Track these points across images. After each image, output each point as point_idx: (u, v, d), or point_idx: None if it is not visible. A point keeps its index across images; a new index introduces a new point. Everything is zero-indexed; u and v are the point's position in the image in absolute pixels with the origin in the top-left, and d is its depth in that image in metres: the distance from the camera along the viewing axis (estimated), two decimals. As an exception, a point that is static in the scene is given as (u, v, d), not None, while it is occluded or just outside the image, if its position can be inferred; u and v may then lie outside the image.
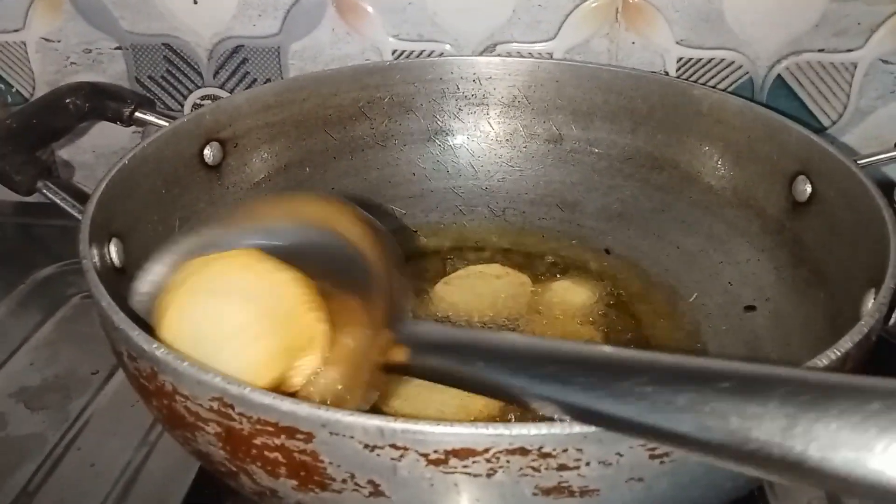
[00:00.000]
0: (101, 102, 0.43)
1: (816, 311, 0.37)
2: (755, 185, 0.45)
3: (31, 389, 0.46)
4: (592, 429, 0.20)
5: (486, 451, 0.21)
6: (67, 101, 0.41)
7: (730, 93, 0.54)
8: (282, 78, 0.59)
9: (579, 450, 0.21)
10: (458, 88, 0.55)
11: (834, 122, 0.56)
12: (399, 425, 0.21)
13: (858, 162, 0.40)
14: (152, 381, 0.25)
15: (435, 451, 0.21)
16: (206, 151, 0.45)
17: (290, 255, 0.31)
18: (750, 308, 0.41)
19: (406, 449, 0.21)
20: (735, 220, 0.46)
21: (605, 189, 0.53)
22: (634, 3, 0.54)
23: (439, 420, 0.21)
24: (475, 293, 0.47)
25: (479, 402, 0.36)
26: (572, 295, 0.47)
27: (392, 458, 0.21)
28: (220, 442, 0.24)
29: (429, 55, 0.58)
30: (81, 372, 0.47)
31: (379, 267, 0.32)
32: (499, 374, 0.24)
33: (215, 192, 0.47)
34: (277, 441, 0.23)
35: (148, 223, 0.40)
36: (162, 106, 0.61)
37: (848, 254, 0.36)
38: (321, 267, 0.31)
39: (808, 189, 0.41)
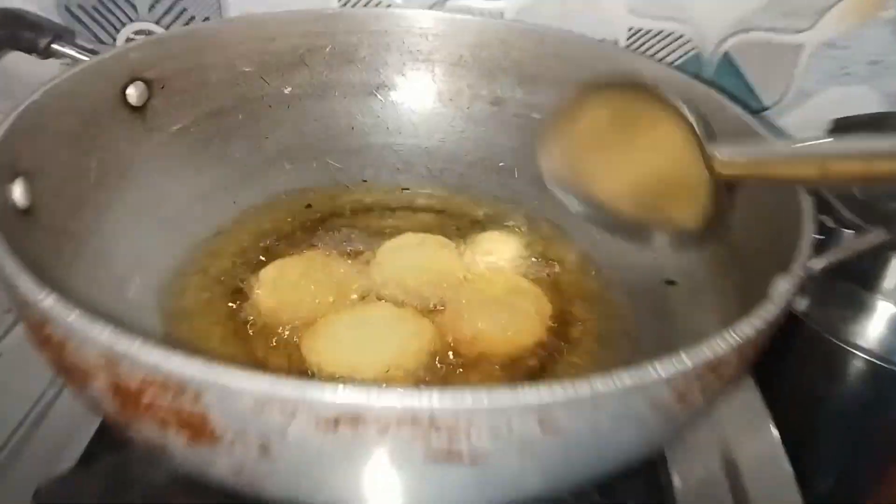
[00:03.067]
0: (14, 31, 0.40)
1: (734, 291, 0.37)
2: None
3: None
4: (483, 402, 0.20)
5: (378, 419, 0.20)
6: (-24, 27, 0.39)
7: (676, 68, 0.54)
8: (220, 16, 0.57)
9: (469, 421, 0.21)
10: (404, 42, 0.54)
11: (776, 103, 0.57)
12: (289, 386, 0.20)
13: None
14: (42, 330, 0.24)
15: (325, 415, 0.21)
16: (130, 91, 0.43)
17: None
18: (671, 282, 0.42)
19: (296, 411, 0.21)
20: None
21: (544, 156, 0.52)
22: (588, -34, 0.53)
23: (332, 382, 0.20)
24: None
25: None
26: (501, 244, 0.47)
27: (282, 418, 0.21)
28: (110, 394, 0.23)
29: (376, 5, 0.56)
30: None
31: None
32: None
33: (137, 134, 0.44)
34: (166, 398, 0.22)
35: (60, 162, 0.38)
36: (92, 39, 0.58)
37: (766, 237, 0.36)
38: None
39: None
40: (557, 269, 0.46)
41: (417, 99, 0.54)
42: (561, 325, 0.42)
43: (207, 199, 0.47)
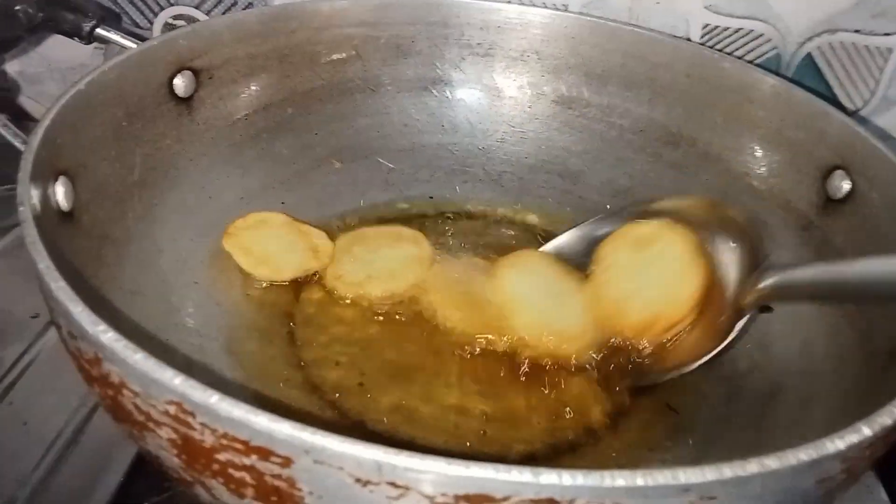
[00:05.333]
0: (57, 13, 0.37)
1: (844, 322, 0.34)
2: (782, 173, 0.41)
3: (-39, 329, 0.41)
4: (637, 482, 0.17)
5: (506, 499, 0.17)
6: (17, 7, 0.35)
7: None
8: (266, 3, 0.53)
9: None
10: (464, 35, 0.50)
11: (858, 109, 0.53)
12: (401, 460, 0.17)
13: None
14: (96, 367, 0.21)
15: (443, 495, 0.17)
16: (177, 81, 0.40)
17: None
18: (766, 309, 0.38)
19: (407, 489, 0.17)
20: (754, 209, 0.42)
21: (613, 161, 0.48)
22: (664, -42, 0.49)
23: (450, 458, 0.17)
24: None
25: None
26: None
27: (388, 497, 0.18)
28: (175, 449, 0.20)
29: (431, -5, 0.52)
30: (19, 314, 0.42)
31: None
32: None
33: (184, 128, 0.41)
34: (247, 461, 0.19)
35: (104, 160, 0.35)
36: (128, 22, 0.55)
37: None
38: None
39: (847, 186, 0.37)
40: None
41: (475, 96, 0.51)
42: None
43: (254, 200, 0.43)
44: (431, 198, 0.49)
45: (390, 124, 0.50)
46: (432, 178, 0.49)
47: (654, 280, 0.36)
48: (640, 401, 0.35)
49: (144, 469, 0.33)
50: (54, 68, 0.58)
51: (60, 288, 0.21)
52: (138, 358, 0.19)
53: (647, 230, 0.38)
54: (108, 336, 0.20)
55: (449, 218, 0.48)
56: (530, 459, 0.33)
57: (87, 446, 0.35)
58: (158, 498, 0.31)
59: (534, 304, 0.38)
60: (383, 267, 0.41)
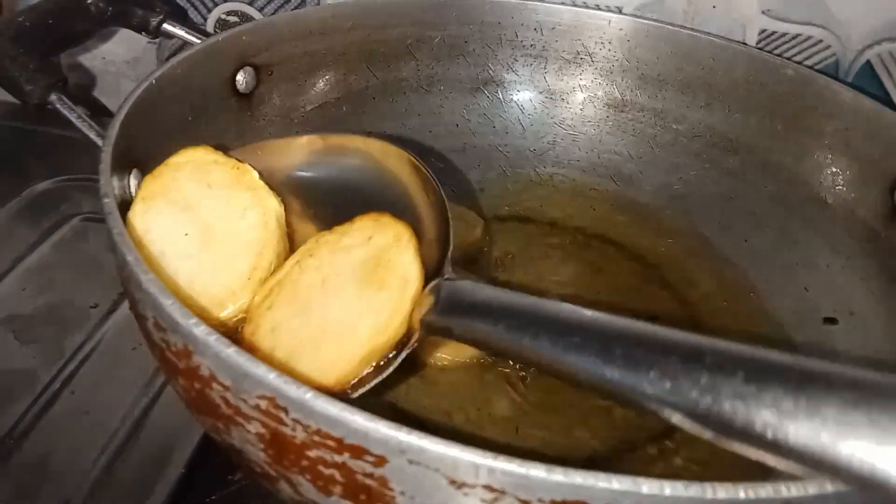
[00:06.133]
0: (126, 7, 0.37)
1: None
2: (846, 183, 0.41)
3: (23, 318, 0.41)
4: (744, 495, 0.17)
5: (604, 505, 0.17)
6: (89, 2, 0.36)
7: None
8: (319, 1, 0.53)
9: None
10: (517, 36, 0.50)
11: (917, 119, 0.52)
12: (500, 464, 0.17)
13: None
14: (184, 359, 0.21)
15: (540, 501, 0.17)
16: (240, 77, 0.40)
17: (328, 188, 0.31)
18: (830, 320, 0.37)
19: (503, 493, 0.17)
20: (817, 219, 0.41)
21: (668, 166, 0.48)
22: (722, -39, 0.49)
23: (551, 464, 0.17)
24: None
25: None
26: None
27: (483, 500, 0.17)
28: (262, 444, 0.20)
29: (481, -5, 0.52)
30: (79, 303, 0.43)
31: (424, 211, 0.31)
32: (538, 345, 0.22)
33: (244, 123, 0.42)
34: (338, 458, 0.19)
35: (170, 153, 0.35)
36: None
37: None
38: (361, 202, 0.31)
39: (914, 198, 0.36)
40: (692, 313, 0.41)
41: (527, 97, 0.51)
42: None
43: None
44: (482, 198, 0.49)
45: (442, 124, 0.50)
46: (484, 178, 0.49)
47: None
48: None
49: (207, 461, 0.33)
50: (108, 61, 0.58)
51: (150, 280, 0.21)
52: (231, 352, 0.19)
53: None
54: (200, 329, 0.20)
55: (500, 219, 0.48)
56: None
57: (149, 437, 0.35)
58: (223, 492, 0.31)
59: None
60: None
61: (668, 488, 0.16)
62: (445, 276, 0.28)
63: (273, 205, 0.31)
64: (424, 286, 0.28)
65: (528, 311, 0.24)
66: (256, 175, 0.32)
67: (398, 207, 0.31)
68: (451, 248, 0.30)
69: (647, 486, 0.16)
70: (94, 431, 0.36)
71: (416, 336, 0.27)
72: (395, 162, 0.34)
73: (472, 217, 0.45)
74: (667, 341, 0.20)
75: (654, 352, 0.20)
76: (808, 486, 0.17)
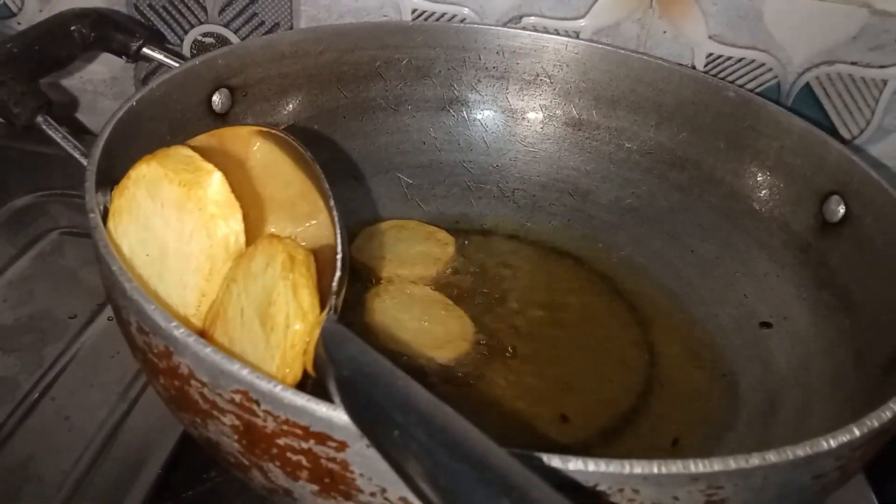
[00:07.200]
0: (107, 32, 0.39)
1: (840, 338, 0.36)
2: (782, 197, 0.44)
3: (4, 329, 0.43)
4: (653, 470, 0.19)
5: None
6: (73, 28, 0.38)
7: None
8: (291, 24, 0.56)
9: (636, 490, 0.19)
10: (480, 59, 0.53)
11: (854, 138, 0.55)
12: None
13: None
14: (164, 359, 0.23)
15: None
16: (215, 98, 0.42)
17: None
18: (766, 325, 0.41)
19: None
20: (756, 231, 0.45)
21: (621, 181, 0.51)
22: (672, -10, 0.52)
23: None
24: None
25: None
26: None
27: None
28: (236, 435, 0.22)
29: (449, 19, 0.55)
30: (58, 314, 0.44)
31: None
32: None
33: (218, 142, 0.44)
34: (305, 444, 0.21)
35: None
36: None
37: (879, 284, 0.35)
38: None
39: (842, 210, 0.39)
40: (640, 318, 0.44)
41: (490, 116, 0.54)
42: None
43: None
44: (447, 213, 0.51)
45: (410, 142, 0.52)
46: (449, 193, 0.52)
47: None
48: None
49: (184, 461, 0.35)
50: (86, 80, 0.60)
51: (134, 288, 0.24)
52: (209, 352, 0.22)
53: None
54: (180, 332, 0.22)
55: (464, 232, 0.50)
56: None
57: (127, 439, 0.37)
58: (198, 489, 0.33)
59: None
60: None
61: (592, 465, 0.19)
62: (328, 317, 0.25)
63: (219, 228, 0.29)
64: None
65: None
66: (212, 186, 0.29)
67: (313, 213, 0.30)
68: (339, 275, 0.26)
69: (573, 463, 0.19)
70: (74, 436, 0.37)
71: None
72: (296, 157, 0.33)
73: (444, 236, 0.47)
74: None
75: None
76: (715, 463, 0.19)
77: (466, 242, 0.49)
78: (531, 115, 0.53)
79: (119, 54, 0.41)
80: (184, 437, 0.36)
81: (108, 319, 0.44)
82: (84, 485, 0.35)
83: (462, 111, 0.53)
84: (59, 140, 0.33)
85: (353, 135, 0.51)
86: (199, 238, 0.29)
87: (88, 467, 0.36)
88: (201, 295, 0.29)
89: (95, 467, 0.36)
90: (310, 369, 0.24)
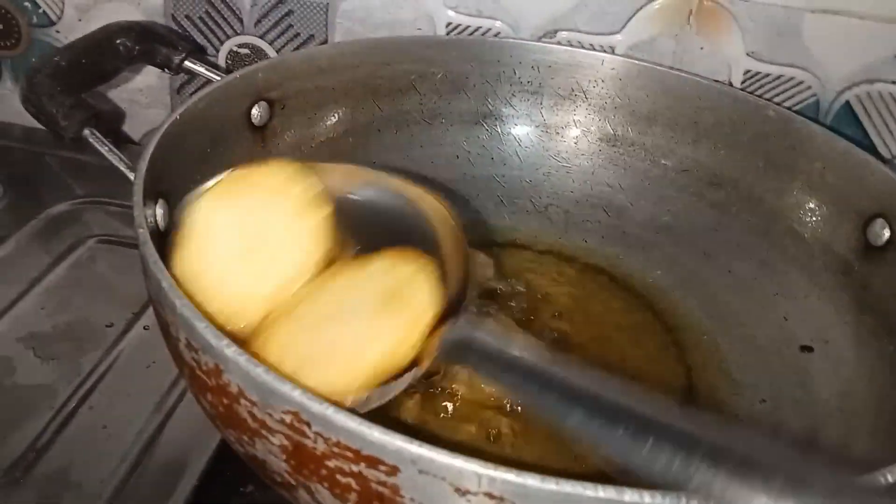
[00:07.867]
0: (151, 46, 0.40)
1: (883, 364, 0.35)
2: (823, 218, 0.43)
3: (41, 336, 0.44)
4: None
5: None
6: (118, 41, 0.38)
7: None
8: (326, 36, 0.56)
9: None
10: (515, 73, 0.52)
11: (894, 157, 0.55)
12: (500, 474, 0.19)
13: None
14: (214, 377, 0.23)
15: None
16: (255, 111, 0.43)
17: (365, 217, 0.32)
18: (807, 349, 0.40)
19: (503, 500, 0.19)
20: (795, 251, 0.44)
21: (656, 199, 0.51)
22: (709, 6, 0.52)
23: (545, 474, 0.19)
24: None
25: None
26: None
27: (486, 505, 0.20)
28: (285, 455, 0.22)
29: (483, 33, 0.55)
30: (95, 323, 0.45)
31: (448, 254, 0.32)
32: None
33: (256, 155, 0.44)
34: (355, 468, 0.21)
35: (191, 184, 0.37)
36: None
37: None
38: (391, 236, 0.32)
39: (886, 234, 0.39)
40: (675, 338, 0.43)
41: (524, 131, 0.53)
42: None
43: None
44: (479, 227, 0.51)
45: (443, 155, 0.52)
46: (482, 208, 0.52)
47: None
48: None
49: (220, 473, 0.35)
50: (122, 88, 0.61)
51: (185, 305, 0.24)
52: (260, 371, 0.22)
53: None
54: (231, 350, 0.22)
55: (497, 247, 0.50)
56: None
57: (164, 450, 0.37)
58: (236, 501, 0.33)
59: None
60: None
61: (647, 497, 0.19)
62: (462, 318, 0.29)
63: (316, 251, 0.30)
64: (442, 321, 0.28)
65: (537, 371, 0.27)
66: (323, 216, 0.31)
67: (425, 247, 0.32)
68: (469, 291, 0.31)
69: (628, 495, 0.19)
70: (112, 444, 0.38)
71: (423, 366, 0.28)
72: (429, 206, 0.35)
73: (483, 258, 0.47)
74: (665, 428, 0.22)
75: (650, 433, 0.22)
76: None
77: (499, 257, 0.48)
78: (565, 131, 0.53)
79: (162, 67, 0.41)
80: (220, 449, 0.36)
81: (145, 329, 0.44)
82: (122, 493, 0.36)
83: (496, 125, 0.53)
84: (105, 153, 0.33)
85: (387, 147, 0.51)
86: (294, 250, 0.30)
87: (127, 476, 0.36)
88: (275, 292, 0.29)
89: (133, 476, 0.36)
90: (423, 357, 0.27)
